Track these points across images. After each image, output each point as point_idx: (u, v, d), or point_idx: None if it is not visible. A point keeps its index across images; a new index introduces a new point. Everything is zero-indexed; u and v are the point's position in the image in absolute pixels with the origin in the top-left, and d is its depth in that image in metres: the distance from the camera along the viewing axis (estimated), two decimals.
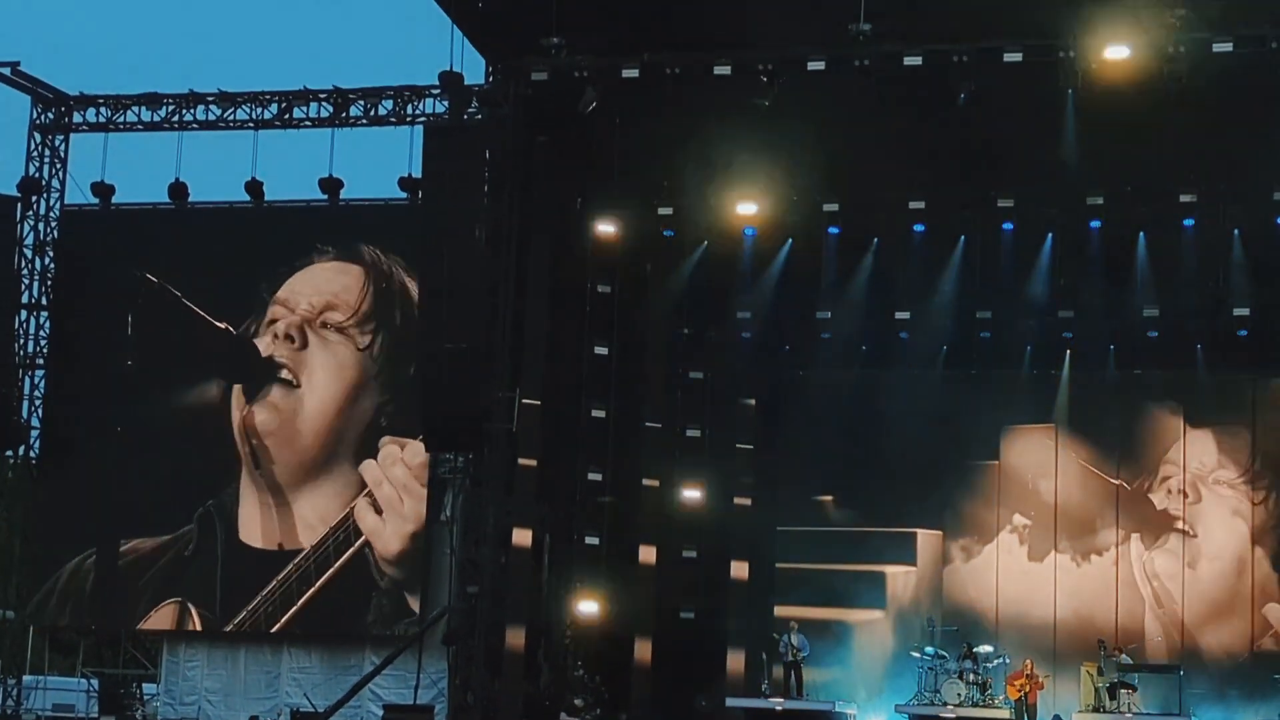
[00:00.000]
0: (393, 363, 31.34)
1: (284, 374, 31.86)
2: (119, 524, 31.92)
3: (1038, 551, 31.50)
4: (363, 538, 30.95)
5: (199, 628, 31.60)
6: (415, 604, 30.49)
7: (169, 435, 31.88)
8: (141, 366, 32.26)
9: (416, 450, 30.62)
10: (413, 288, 30.91)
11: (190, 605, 31.58)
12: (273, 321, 31.97)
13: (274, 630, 31.15)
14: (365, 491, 31.10)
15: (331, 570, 31.03)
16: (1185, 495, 31.09)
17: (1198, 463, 31.17)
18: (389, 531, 30.94)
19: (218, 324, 32.07)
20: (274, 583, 31.19)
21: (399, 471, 31.05)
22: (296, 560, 31.19)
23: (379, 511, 31.01)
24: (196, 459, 31.81)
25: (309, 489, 31.51)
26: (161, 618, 31.73)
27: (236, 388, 32.00)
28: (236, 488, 31.74)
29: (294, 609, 31.08)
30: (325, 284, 31.89)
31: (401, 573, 30.74)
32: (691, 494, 31.41)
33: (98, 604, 32.09)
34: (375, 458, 31.18)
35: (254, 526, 31.62)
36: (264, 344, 32.04)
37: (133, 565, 31.85)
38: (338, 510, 31.22)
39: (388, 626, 30.65)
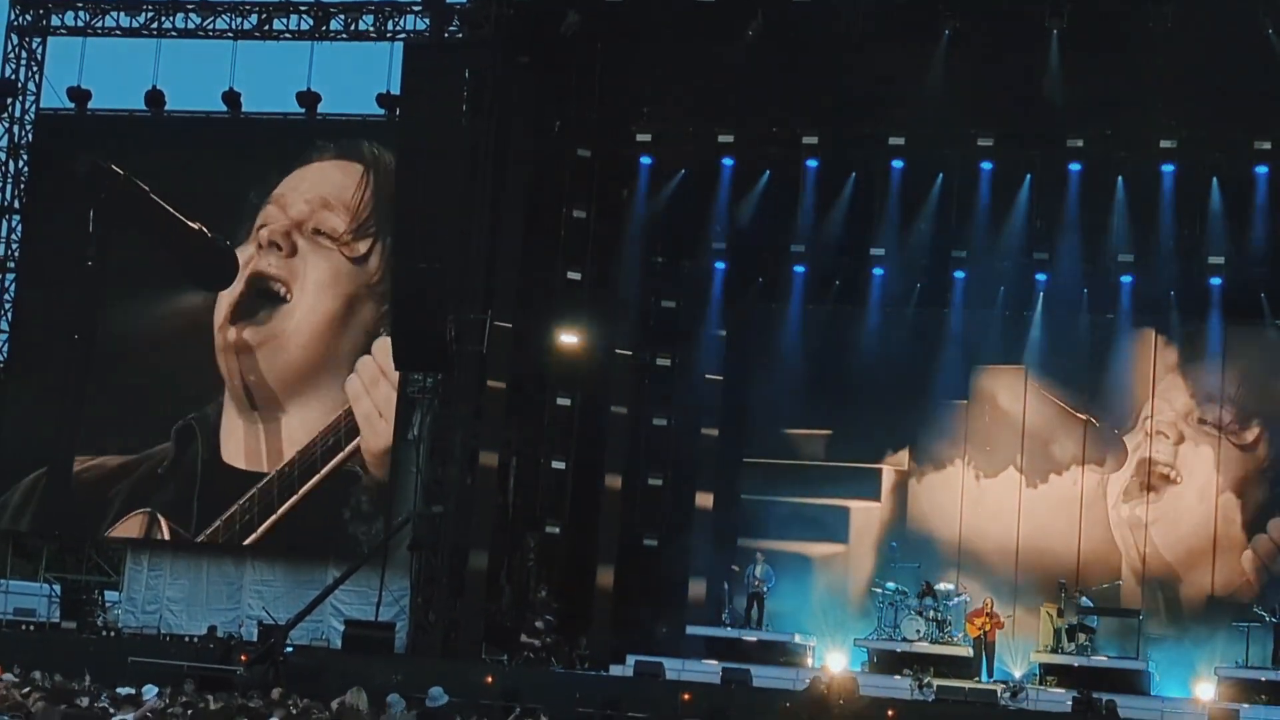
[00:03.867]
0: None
1: (275, 286, 31.16)
2: (79, 438, 31.45)
3: (1001, 486, 31.51)
4: (355, 440, 30.15)
5: (167, 539, 31.20)
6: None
7: (139, 345, 31.43)
8: (105, 270, 31.74)
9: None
10: None
11: (160, 517, 31.11)
12: (261, 227, 31.19)
13: (246, 543, 30.79)
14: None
15: (316, 478, 30.30)
16: (1152, 440, 31.09)
17: (1169, 409, 31.15)
18: (384, 427, 30.23)
19: (191, 224, 31.46)
20: (249, 496, 30.59)
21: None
22: (280, 467, 30.59)
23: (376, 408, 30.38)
24: (171, 372, 31.25)
25: (297, 406, 30.86)
26: (129, 526, 31.34)
27: (223, 301, 31.24)
28: (220, 403, 31.14)
29: (269, 521, 30.59)
30: (322, 181, 31.15)
31: (387, 477, 30.04)
32: (659, 421, 31.41)
33: (55, 518, 31.82)
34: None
35: (237, 445, 31.01)
36: (248, 252, 31.24)
37: (94, 481, 31.34)
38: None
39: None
